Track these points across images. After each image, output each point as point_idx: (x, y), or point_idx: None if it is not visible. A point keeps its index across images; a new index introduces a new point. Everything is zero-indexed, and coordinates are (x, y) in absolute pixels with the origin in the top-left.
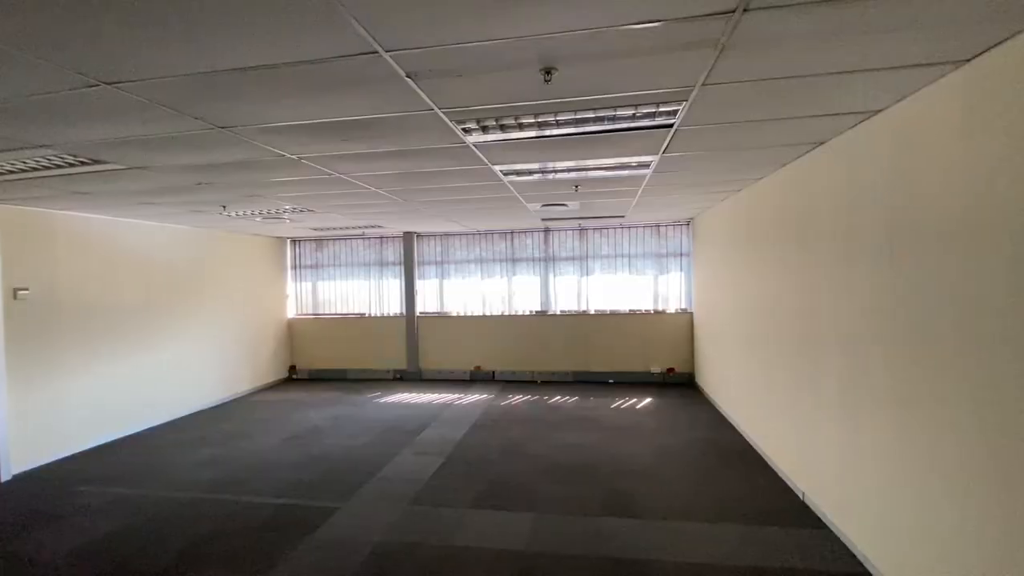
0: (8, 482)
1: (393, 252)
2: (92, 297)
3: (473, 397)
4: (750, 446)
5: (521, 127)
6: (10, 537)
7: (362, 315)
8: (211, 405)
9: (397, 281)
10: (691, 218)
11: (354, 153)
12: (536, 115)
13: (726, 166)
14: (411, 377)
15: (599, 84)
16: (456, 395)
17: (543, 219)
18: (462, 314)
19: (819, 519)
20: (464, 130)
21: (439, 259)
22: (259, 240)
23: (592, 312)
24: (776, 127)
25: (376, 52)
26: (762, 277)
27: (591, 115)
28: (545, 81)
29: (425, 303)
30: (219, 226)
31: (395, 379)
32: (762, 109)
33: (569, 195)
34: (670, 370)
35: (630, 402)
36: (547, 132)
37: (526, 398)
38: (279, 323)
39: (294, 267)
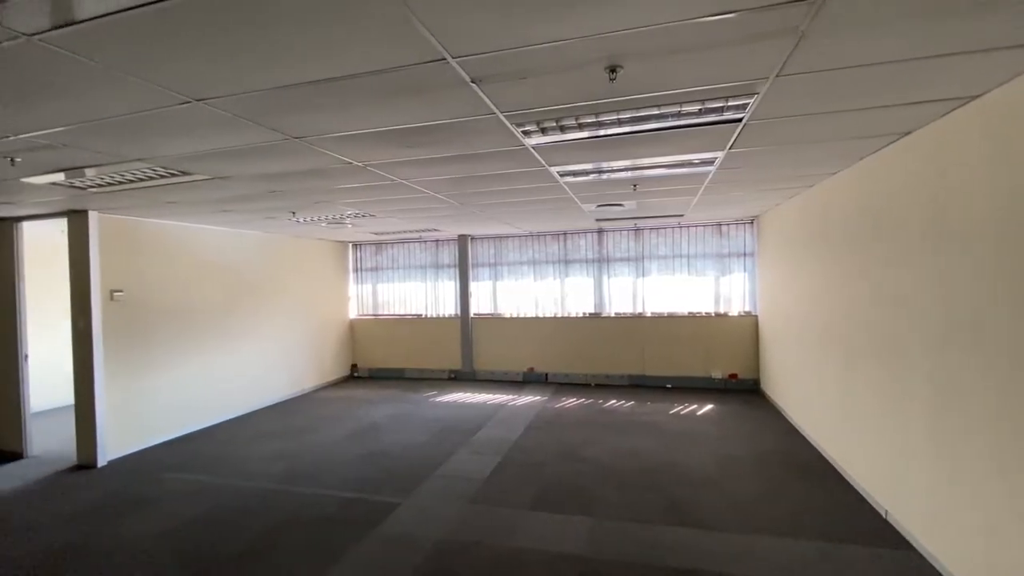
0: (104, 467)
1: (448, 255)
2: (176, 299)
3: (527, 399)
4: (824, 458)
5: (581, 127)
6: (108, 518)
7: (419, 316)
8: (280, 400)
9: (452, 283)
10: (756, 216)
11: (415, 159)
12: (597, 114)
13: (797, 160)
14: (465, 377)
15: (666, 80)
16: (510, 396)
17: (597, 220)
18: (515, 315)
19: (905, 540)
20: (524, 132)
21: (492, 261)
22: (323, 244)
23: (648, 314)
24: (856, 118)
25: (444, 59)
26: (839, 277)
27: (654, 112)
28: (610, 80)
29: (479, 304)
30: (288, 231)
31: (450, 379)
32: (842, 99)
33: (626, 195)
34: (733, 375)
35: (690, 408)
36: (607, 131)
37: (580, 401)
38: (342, 323)
39: (355, 270)
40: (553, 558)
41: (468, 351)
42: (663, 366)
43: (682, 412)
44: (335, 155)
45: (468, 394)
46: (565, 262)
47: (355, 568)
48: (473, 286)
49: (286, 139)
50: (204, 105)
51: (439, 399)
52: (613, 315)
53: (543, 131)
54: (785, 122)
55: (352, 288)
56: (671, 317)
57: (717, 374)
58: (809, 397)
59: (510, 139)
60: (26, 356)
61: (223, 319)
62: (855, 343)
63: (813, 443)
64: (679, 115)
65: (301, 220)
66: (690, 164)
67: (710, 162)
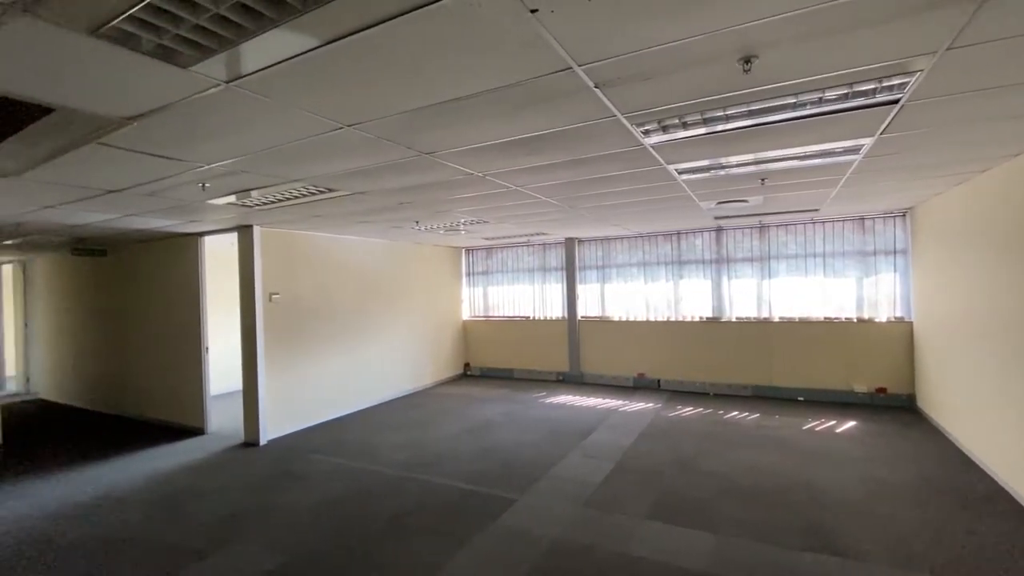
0: (265, 445)
1: (555, 258)
2: (319, 301)
3: (638, 405)
4: (1006, 492)
5: (706, 122)
6: (270, 489)
7: (527, 318)
8: (402, 395)
9: (559, 286)
10: (909, 208)
11: (531, 166)
12: (725, 108)
13: (969, 142)
14: (572, 380)
15: (809, 65)
16: (620, 401)
17: (716, 217)
18: (624, 319)
19: None
20: (644, 132)
21: (600, 263)
22: (439, 250)
23: (776, 319)
24: None
25: (570, 68)
26: None
27: (791, 100)
28: (744, 71)
29: (586, 307)
30: (410, 239)
31: (557, 381)
32: None
33: (752, 190)
34: (881, 390)
35: (827, 424)
36: (735, 124)
37: (697, 410)
38: (456, 324)
39: (468, 273)
40: (673, 572)
41: (575, 354)
42: (794, 377)
43: (817, 428)
44: (458, 167)
45: (576, 397)
46: (679, 263)
47: (478, 556)
48: (580, 289)
49: (418, 155)
50: (353, 130)
51: (548, 400)
52: (734, 320)
53: (664, 129)
54: (955, 100)
55: (464, 291)
56: (803, 322)
57: (861, 387)
58: (989, 418)
59: (628, 140)
60: (206, 348)
61: (356, 319)
62: None
63: (991, 472)
64: (820, 102)
65: (423, 228)
66: (830, 154)
67: (855, 150)
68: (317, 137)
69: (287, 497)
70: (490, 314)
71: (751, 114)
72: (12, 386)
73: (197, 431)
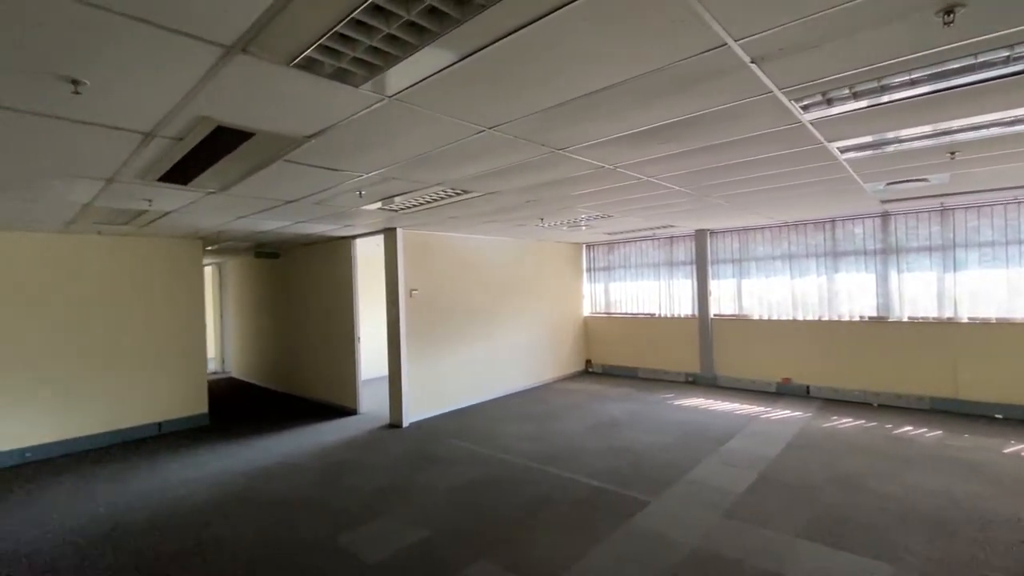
0: (407, 427)
1: (684, 251)
2: (450, 296)
3: (783, 413)
4: None
5: (884, 90)
6: (412, 468)
7: (651, 315)
8: (525, 388)
9: (688, 281)
10: None
11: (666, 155)
12: (911, 71)
13: None
14: (705, 382)
15: None
16: (761, 408)
17: (883, 201)
18: (766, 317)
19: None
20: (803, 108)
21: (736, 257)
22: (560, 246)
23: (964, 320)
24: None
25: (724, 44)
26: None
27: (1003, 54)
28: (944, 24)
29: (720, 304)
30: (532, 236)
31: (687, 383)
32: None
33: (936, 166)
34: None
35: None
36: (923, 90)
37: (858, 423)
38: (576, 320)
39: (588, 269)
40: None
41: (707, 355)
42: (989, 389)
43: None
44: (589, 160)
45: (709, 400)
46: (834, 255)
47: (614, 554)
48: (712, 284)
49: (551, 152)
50: (494, 132)
51: (677, 402)
52: (906, 319)
53: (829, 102)
54: None
55: (585, 287)
56: (1004, 324)
57: None
58: None
59: (783, 118)
60: (358, 338)
61: (481, 314)
62: None
63: None
64: None
65: (546, 225)
66: None
67: None
68: (462, 141)
69: (427, 476)
70: (612, 311)
71: (944, 75)
72: (212, 366)
73: (351, 411)
